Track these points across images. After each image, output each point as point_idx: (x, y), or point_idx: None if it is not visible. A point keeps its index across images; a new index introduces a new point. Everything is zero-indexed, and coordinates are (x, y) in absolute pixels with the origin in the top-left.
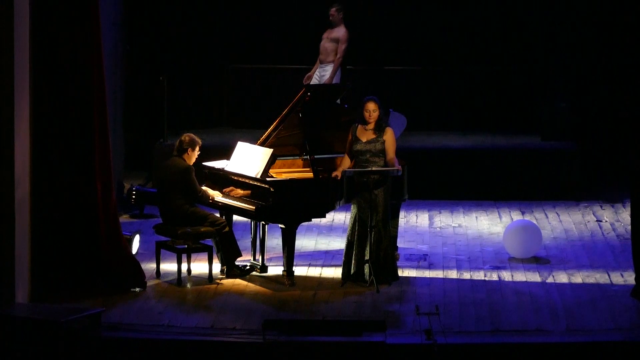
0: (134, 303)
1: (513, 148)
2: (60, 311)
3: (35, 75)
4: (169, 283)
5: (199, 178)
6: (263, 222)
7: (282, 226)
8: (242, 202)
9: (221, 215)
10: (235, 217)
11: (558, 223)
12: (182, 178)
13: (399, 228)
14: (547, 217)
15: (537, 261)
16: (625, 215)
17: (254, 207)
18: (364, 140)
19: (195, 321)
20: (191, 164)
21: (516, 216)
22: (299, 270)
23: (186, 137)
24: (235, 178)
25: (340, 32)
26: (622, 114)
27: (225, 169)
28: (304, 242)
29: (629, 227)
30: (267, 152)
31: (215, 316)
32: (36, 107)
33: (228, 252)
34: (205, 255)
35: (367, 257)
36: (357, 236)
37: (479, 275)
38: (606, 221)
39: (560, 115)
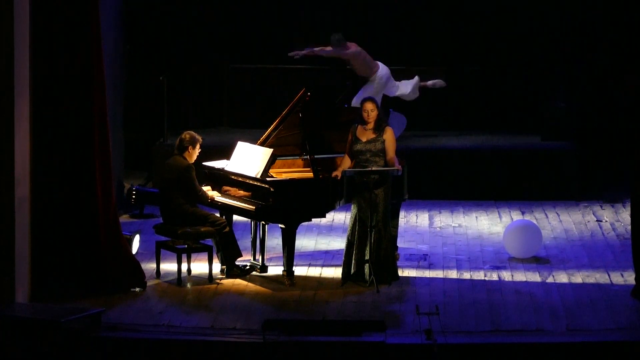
0: (134, 303)
1: (513, 148)
2: (60, 311)
3: (35, 75)
4: (169, 283)
5: (199, 178)
6: (263, 222)
7: (282, 226)
8: (242, 202)
9: (221, 215)
10: (235, 217)
11: (558, 223)
12: (182, 176)
13: (399, 228)
14: (547, 217)
15: (537, 261)
16: (625, 215)
17: (254, 207)
18: (364, 140)
19: (195, 321)
20: (192, 161)
21: (516, 216)
22: (299, 270)
23: (187, 135)
24: (235, 178)
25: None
26: (622, 113)
27: (225, 169)
28: (304, 242)
29: (629, 227)
30: (267, 152)
31: (215, 316)
32: (36, 107)
33: (228, 252)
34: (205, 255)
35: (367, 257)
36: (357, 236)
37: (479, 275)
38: (606, 221)
39: (560, 115)
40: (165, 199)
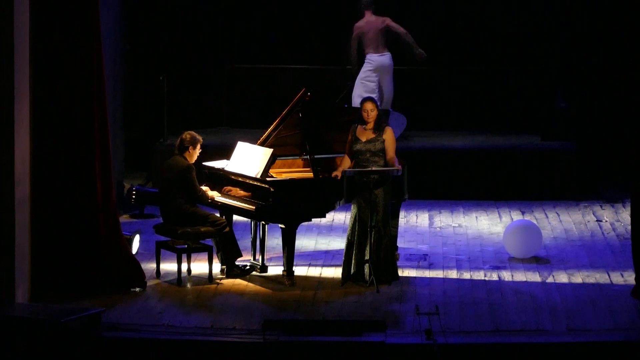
0: (134, 303)
1: (513, 148)
2: (60, 311)
3: (35, 75)
4: (169, 283)
5: (199, 178)
6: (263, 222)
7: (282, 226)
8: (242, 202)
9: (221, 215)
10: (235, 217)
11: (558, 223)
12: (182, 177)
13: (399, 228)
14: (547, 217)
15: (537, 261)
16: (625, 215)
17: (254, 207)
18: (364, 140)
19: (195, 321)
20: (192, 162)
21: (516, 216)
22: (299, 270)
23: (187, 135)
24: (235, 178)
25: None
26: (622, 113)
27: (225, 169)
28: (304, 242)
29: (629, 227)
30: (267, 152)
31: (215, 316)
32: (36, 107)
33: (228, 252)
34: (205, 255)
35: (367, 257)
36: (357, 236)
37: (479, 275)
38: (606, 221)
39: (560, 115)
40: (165, 199)
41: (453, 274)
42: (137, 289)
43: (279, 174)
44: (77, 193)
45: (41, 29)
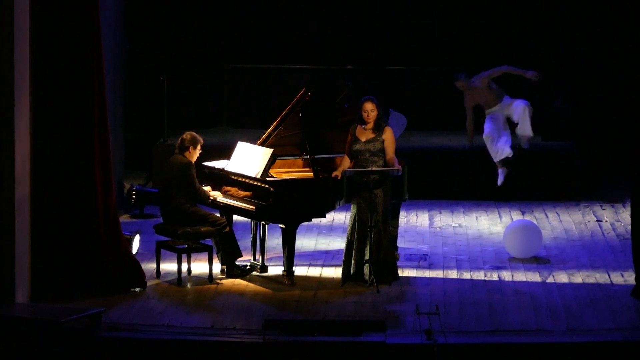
0: (134, 303)
1: (513, 148)
2: (60, 311)
3: (35, 75)
4: (169, 283)
5: (200, 178)
6: (263, 222)
7: (282, 226)
8: (242, 202)
9: (221, 215)
10: (235, 217)
11: (558, 223)
12: (181, 174)
13: (399, 228)
14: (547, 217)
15: (537, 261)
16: (625, 215)
17: (254, 207)
18: (363, 140)
19: (195, 321)
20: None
21: (516, 216)
22: (299, 270)
23: (188, 135)
24: (236, 178)
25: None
26: (622, 113)
27: (226, 169)
28: (304, 242)
29: (629, 227)
30: (267, 152)
31: (215, 316)
32: (36, 107)
33: (228, 252)
34: (205, 255)
35: (367, 257)
36: (356, 236)
37: (479, 275)
38: (606, 221)
39: (560, 115)
40: (165, 199)
41: (453, 274)
42: (137, 289)
43: (279, 174)
44: (77, 193)
45: (41, 28)
